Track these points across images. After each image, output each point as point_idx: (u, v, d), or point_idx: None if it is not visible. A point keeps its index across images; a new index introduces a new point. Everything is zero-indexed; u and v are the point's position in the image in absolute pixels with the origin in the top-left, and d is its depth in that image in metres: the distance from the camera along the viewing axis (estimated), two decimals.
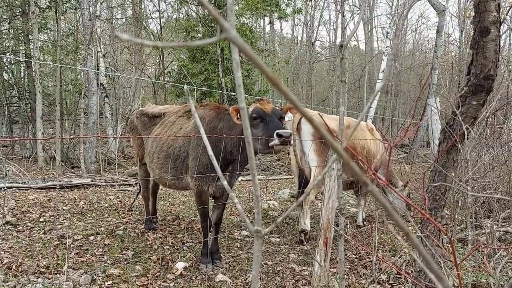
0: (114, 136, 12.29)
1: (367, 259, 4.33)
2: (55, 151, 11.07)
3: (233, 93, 11.92)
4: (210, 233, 4.10)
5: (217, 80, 12.12)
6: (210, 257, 4.01)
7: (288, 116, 3.87)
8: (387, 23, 23.19)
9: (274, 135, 3.20)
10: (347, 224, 5.41)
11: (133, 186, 8.08)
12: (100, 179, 8.34)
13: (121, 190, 7.72)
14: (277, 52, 21.97)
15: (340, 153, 0.39)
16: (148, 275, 3.70)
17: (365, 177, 0.40)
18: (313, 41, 23.42)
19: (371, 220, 5.99)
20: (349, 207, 6.85)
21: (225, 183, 0.70)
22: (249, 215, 6.11)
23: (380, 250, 4.49)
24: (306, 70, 22.76)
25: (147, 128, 4.75)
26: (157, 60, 18.16)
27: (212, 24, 12.30)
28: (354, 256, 4.45)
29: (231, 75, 12.28)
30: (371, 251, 2.83)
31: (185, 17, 14.08)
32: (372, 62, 23.83)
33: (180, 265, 3.91)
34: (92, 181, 7.98)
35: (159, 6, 14.49)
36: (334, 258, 4.04)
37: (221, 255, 4.22)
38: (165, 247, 4.43)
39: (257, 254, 0.92)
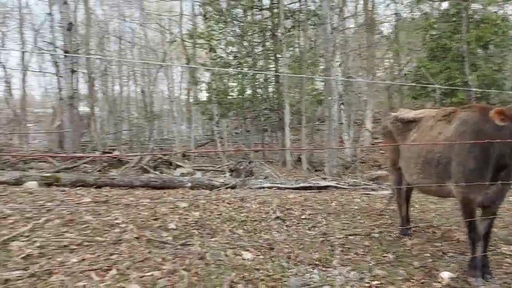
0: (371, 145, 12.78)
1: None
2: (300, 156, 12.36)
3: (480, 90, 10.65)
4: (478, 246, 3.80)
5: (461, 78, 11.08)
6: (480, 271, 3.71)
7: None
8: None
9: None
10: None
11: (375, 191, 8.19)
12: (344, 182, 8.80)
13: (365, 194, 7.94)
14: None
15: None
16: (412, 280, 3.69)
17: None
18: None
19: None
20: None
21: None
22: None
23: None
24: None
25: (401, 133, 4.77)
26: (388, 63, 17.96)
27: (454, 19, 11.35)
28: None
29: (478, 72, 11.00)
30: None
31: (421, 16, 13.45)
32: None
33: (446, 274, 3.75)
34: (337, 184, 8.50)
35: (396, 9, 14.33)
36: None
37: (490, 270, 3.84)
38: (424, 255, 4.33)
39: None
